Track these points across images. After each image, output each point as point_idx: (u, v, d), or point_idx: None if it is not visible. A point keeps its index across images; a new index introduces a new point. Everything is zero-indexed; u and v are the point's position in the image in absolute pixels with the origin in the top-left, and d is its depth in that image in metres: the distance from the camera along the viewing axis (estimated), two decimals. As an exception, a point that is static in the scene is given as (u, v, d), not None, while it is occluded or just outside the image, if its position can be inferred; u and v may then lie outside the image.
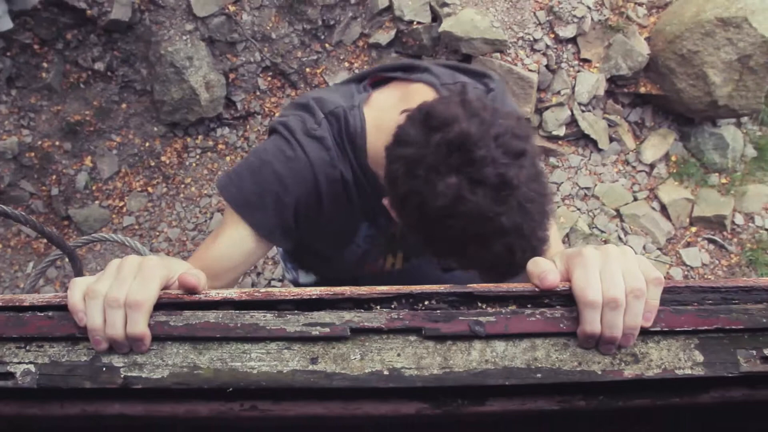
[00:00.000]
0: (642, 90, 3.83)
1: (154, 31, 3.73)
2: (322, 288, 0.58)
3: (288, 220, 1.03)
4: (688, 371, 0.55)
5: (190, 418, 0.60)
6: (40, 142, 3.85)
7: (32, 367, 0.56)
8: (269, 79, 4.32)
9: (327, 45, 4.42)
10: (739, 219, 3.71)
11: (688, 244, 3.63)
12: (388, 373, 0.55)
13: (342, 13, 4.30)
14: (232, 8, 3.92)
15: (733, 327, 0.56)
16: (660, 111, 3.98)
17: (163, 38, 3.71)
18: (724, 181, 3.83)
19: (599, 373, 0.56)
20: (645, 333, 0.56)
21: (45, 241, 3.82)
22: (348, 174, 1.02)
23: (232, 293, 0.58)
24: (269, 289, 0.58)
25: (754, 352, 0.56)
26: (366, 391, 0.56)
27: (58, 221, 3.88)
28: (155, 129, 4.08)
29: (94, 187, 3.90)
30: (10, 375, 0.56)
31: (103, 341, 0.56)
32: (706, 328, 0.55)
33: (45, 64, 3.78)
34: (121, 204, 3.90)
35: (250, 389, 0.56)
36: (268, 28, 4.13)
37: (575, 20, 3.73)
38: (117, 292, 0.56)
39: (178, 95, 3.82)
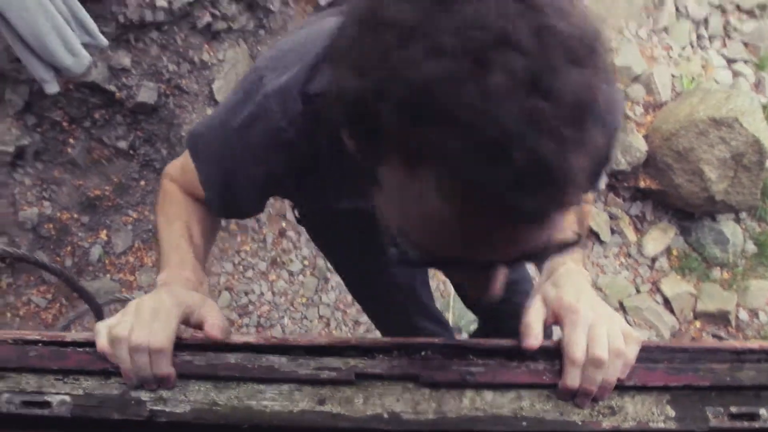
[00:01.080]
0: (642, 185, 3.97)
1: (177, 114, 3.96)
2: (330, 337, 0.64)
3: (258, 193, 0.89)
4: (661, 425, 0.61)
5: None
6: (59, 214, 3.99)
7: (68, 398, 0.63)
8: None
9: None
10: (743, 315, 3.72)
11: (693, 339, 3.62)
12: (387, 417, 0.61)
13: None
14: (252, 96, 4.17)
15: (701, 384, 0.62)
16: (660, 205, 4.10)
17: (185, 120, 3.93)
18: (726, 275, 3.88)
19: (579, 423, 0.61)
20: (621, 388, 0.62)
21: (53, 312, 3.88)
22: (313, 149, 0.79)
23: (251, 338, 0.65)
24: (285, 336, 0.64)
25: (722, 409, 0.61)
26: (367, 432, 0.62)
27: (68, 292, 3.94)
28: (170, 205, 4.22)
29: (107, 261, 3.99)
30: (47, 404, 0.62)
31: (134, 378, 0.63)
32: (676, 384, 0.61)
33: (71, 140, 3.99)
34: (132, 278, 3.98)
35: (263, 427, 0.61)
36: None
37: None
38: (139, 338, 0.63)
39: (196, 174, 3.98)
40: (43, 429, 0.64)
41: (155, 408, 0.62)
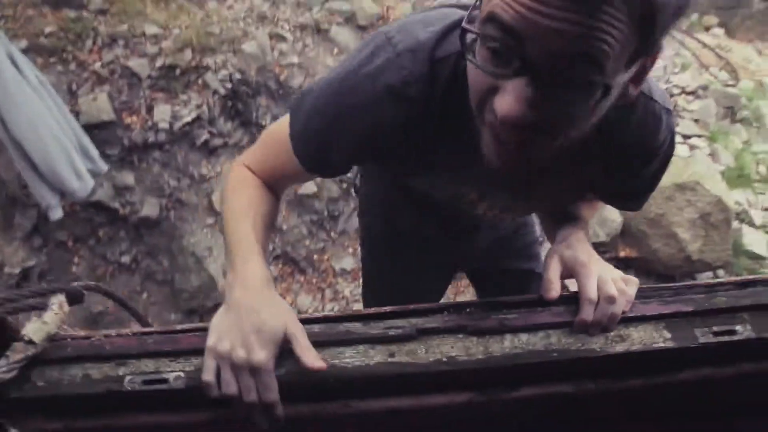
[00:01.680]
0: (622, 254, 4.20)
1: (178, 226, 4.17)
2: (394, 306, 0.81)
3: (360, 162, 1.04)
4: (662, 344, 0.77)
5: (295, 418, 0.78)
6: (61, 333, 4.04)
7: (182, 374, 0.77)
8: (280, 266, 4.67)
9: (332, 233, 4.86)
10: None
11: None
12: (446, 360, 0.77)
13: (345, 204, 4.81)
14: (248, 204, 4.43)
15: (687, 310, 0.79)
16: (642, 273, 4.30)
17: (186, 231, 4.13)
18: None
19: (597, 350, 0.77)
20: (626, 320, 0.79)
21: None
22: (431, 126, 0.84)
23: (330, 312, 0.81)
24: (357, 309, 0.81)
25: (707, 329, 0.78)
26: (429, 377, 0.76)
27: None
28: (173, 316, 4.31)
29: (110, 375, 4.00)
30: (165, 381, 0.76)
31: (242, 406, 0.74)
32: (668, 312, 0.78)
33: (76, 259, 4.13)
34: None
35: (346, 379, 0.76)
36: (279, 221, 4.60)
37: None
38: (240, 356, 0.73)
39: (197, 282, 4.12)
40: (163, 401, 0.77)
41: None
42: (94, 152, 3.47)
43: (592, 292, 0.79)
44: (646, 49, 0.62)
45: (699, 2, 6.11)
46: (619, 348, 0.77)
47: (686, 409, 0.84)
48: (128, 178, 4.01)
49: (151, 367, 0.77)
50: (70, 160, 3.29)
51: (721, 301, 0.80)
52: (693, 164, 3.81)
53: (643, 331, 0.78)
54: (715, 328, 0.78)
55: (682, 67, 5.39)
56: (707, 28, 6.11)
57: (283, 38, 5.15)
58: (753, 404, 0.83)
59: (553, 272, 0.84)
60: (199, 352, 0.78)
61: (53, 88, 3.53)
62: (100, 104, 4.01)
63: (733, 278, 0.82)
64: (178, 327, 0.81)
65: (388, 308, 0.80)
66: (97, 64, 4.26)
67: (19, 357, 0.73)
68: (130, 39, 4.51)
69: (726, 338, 0.77)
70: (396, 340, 0.78)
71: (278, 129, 0.93)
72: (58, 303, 0.81)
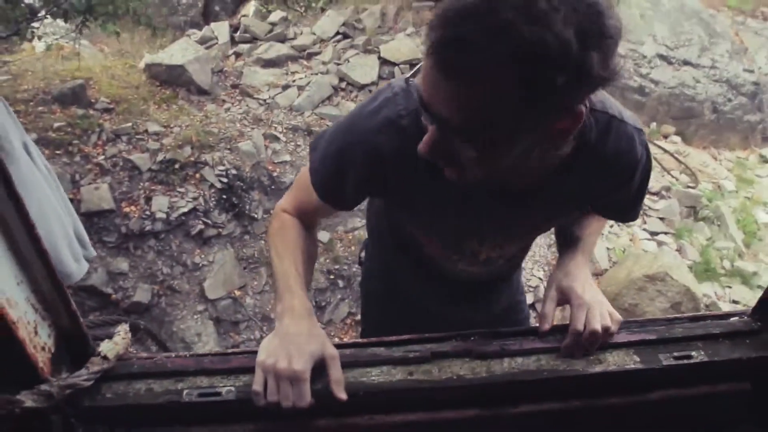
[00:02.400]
0: (601, 344, 4.34)
1: (168, 312, 4.23)
2: (411, 335, 0.97)
3: (369, 192, 1.10)
4: (632, 366, 0.93)
5: (325, 429, 0.91)
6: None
7: (233, 388, 0.90)
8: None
9: (319, 323, 4.93)
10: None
11: None
12: (456, 378, 0.91)
13: (331, 295, 4.93)
14: (237, 293, 4.53)
15: (652, 338, 0.96)
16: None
17: (176, 317, 4.19)
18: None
19: (580, 370, 0.93)
20: (601, 347, 0.95)
21: None
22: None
23: (359, 340, 0.96)
24: (381, 337, 0.96)
25: (668, 354, 0.94)
26: (442, 392, 0.91)
27: None
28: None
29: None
30: (218, 394, 0.90)
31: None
32: (635, 340, 0.95)
33: (63, 347, 4.12)
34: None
35: (372, 392, 0.90)
36: (268, 309, 4.68)
37: (531, 290, 4.43)
38: (282, 365, 0.87)
39: (183, 370, 4.13)
40: (214, 413, 0.90)
41: (297, 387, 0.90)
42: (86, 237, 3.59)
43: (579, 324, 0.95)
44: (543, 115, 0.74)
45: (657, 112, 6.69)
46: (598, 368, 0.93)
47: (659, 427, 0.99)
48: (123, 264, 4.12)
49: (206, 383, 0.91)
50: (69, 243, 3.41)
51: (679, 331, 0.97)
52: (661, 257, 4.07)
53: (616, 356, 0.95)
54: (675, 353, 0.94)
55: (647, 171, 5.83)
56: (665, 136, 6.65)
57: (276, 138, 5.50)
58: (712, 422, 0.98)
59: (549, 307, 1.01)
60: (247, 370, 0.92)
61: (58, 178, 3.72)
62: (101, 193, 4.20)
63: (687, 314, 1.00)
64: (230, 350, 0.95)
65: (407, 336, 0.96)
66: (101, 157, 4.49)
67: (96, 369, 0.86)
68: (133, 135, 4.79)
69: (684, 362, 0.94)
70: (414, 362, 0.93)
71: (305, 171, 1.10)
72: (124, 330, 0.95)
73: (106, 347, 0.89)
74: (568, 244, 1.17)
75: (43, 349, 0.79)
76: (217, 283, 4.42)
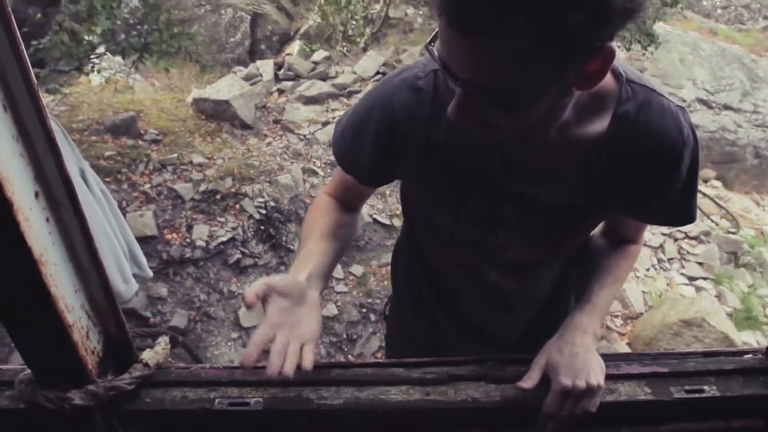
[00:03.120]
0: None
1: (204, 338, 4.34)
2: (430, 359, 1.02)
3: (385, 161, 1.05)
4: (644, 397, 0.96)
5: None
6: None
7: (261, 399, 0.97)
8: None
9: (350, 356, 4.96)
10: None
11: None
12: (470, 401, 0.96)
13: (363, 328, 4.96)
14: (270, 321, 4.62)
15: (664, 371, 0.98)
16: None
17: (211, 344, 4.30)
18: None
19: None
20: (614, 377, 0.98)
21: None
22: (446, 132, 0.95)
23: (381, 360, 1.02)
24: (401, 360, 1.02)
25: (680, 387, 0.97)
26: (457, 414, 0.95)
27: None
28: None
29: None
30: (247, 404, 0.96)
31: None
32: (647, 372, 0.98)
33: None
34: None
35: (391, 411, 0.95)
36: (299, 339, 4.75)
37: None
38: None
39: (214, 396, 4.20)
40: (242, 422, 0.96)
41: (319, 402, 0.96)
42: (142, 258, 3.75)
43: (547, 408, 0.93)
44: (568, 59, 0.69)
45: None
46: (610, 398, 0.96)
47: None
48: (162, 289, 4.27)
49: (236, 393, 0.97)
50: (119, 265, 3.57)
51: (691, 366, 1.00)
52: (698, 302, 3.99)
53: (628, 386, 0.97)
54: (687, 387, 0.97)
55: (685, 215, 5.75)
56: (705, 180, 6.56)
57: (314, 173, 5.66)
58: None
59: (536, 372, 0.95)
60: (274, 384, 0.98)
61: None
62: (145, 220, 4.39)
63: (700, 349, 1.02)
64: (259, 365, 1.02)
65: (426, 359, 1.01)
66: (147, 186, 4.71)
67: (137, 375, 0.94)
68: (178, 166, 5.01)
69: (696, 395, 0.96)
70: (431, 383, 0.98)
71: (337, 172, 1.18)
72: (164, 341, 1.03)
73: (147, 355, 0.97)
74: (579, 303, 1.08)
75: (92, 352, 0.87)
76: (251, 312, 4.50)
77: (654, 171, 0.95)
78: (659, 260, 5.40)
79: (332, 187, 1.21)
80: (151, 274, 3.89)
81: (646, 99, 0.90)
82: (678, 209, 1.05)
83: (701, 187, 6.48)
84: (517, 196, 1.00)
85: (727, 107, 6.90)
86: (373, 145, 1.01)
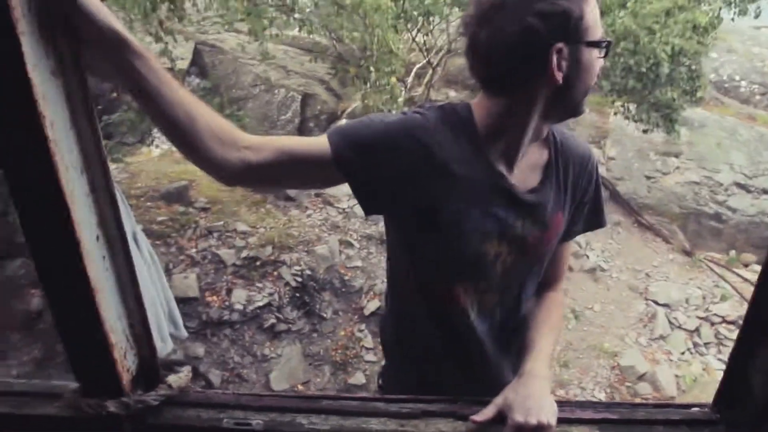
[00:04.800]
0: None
1: (235, 399, 4.48)
2: (407, 396, 1.18)
3: (371, 170, 1.08)
4: (594, 440, 1.09)
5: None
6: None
7: (261, 421, 1.14)
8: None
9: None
10: None
11: None
12: (439, 433, 1.11)
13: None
14: (301, 387, 4.74)
15: (614, 418, 1.11)
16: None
17: (241, 405, 4.44)
18: None
19: (547, 437, 1.09)
20: (569, 421, 1.11)
21: None
22: (451, 152, 1.09)
23: (365, 395, 1.18)
24: (381, 396, 1.18)
25: (628, 433, 1.09)
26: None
27: None
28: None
29: None
30: (249, 424, 1.14)
31: None
32: (599, 417, 1.11)
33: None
34: None
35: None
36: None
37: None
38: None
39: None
40: (246, 441, 1.13)
41: (309, 426, 1.12)
42: (179, 319, 4.00)
43: None
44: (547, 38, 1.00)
45: (736, 240, 6.56)
46: (563, 439, 1.09)
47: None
48: (199, 349, 4.48)
49: (241, 415, 1.15)
50: (158, 323, 3.82)
51: (641, 414, 1.12)
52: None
53: (580, 430, 1.11)
54: (634, 434, 1.09)
55: (722, 298, 5.66)
56: (746, 265, 6.47)
57: (350, 245, 5.91)
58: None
59: (491, 409, 1.09)
60: (273, 408, 1.16)
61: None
62: (189, 282, 4.67)
63: (651, 402, 1.14)
64: (262, 393, 1.20)
65: (404, 396, 1.17)
66: (193, 250, 5.04)
67: (162, 393, 1.13)
68: (223, 233, 5.35)
69: (641, 442, 1.08)
70: (407, 417, 1.13)
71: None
72: (187, 370, 1.23)
73: (172, 378, 1.17)
74: (528, 352, 1.22)
75: (127, 370, 1.08)
76: (282, 376, 4.66)
77: (585, 183, 1.25)
78: (695, 344, 5.31)
79: (265, 139, 1.06)
80: (186, 334, 4.12)
81: (561, 132, 1.25)
82: (600, 214, 1.34)
83: (741, 271, 6.39)
84: (510, 216, 1.17)
85: (765, 191, 6.88)
86: (375, 152, 1.07)
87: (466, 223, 1.13)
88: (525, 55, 1.02)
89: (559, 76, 1.03)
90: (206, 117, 0.96)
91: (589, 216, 1.33)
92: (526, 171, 1.19)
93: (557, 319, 1.33)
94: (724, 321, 5.41)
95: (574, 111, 1.13)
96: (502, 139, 1.13)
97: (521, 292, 1.32)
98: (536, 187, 1.20)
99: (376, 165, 1.08)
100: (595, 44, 1.04)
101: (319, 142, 1.08)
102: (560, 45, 1.01)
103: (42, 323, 4.17)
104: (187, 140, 0.96)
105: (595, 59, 1.06)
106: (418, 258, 1.24)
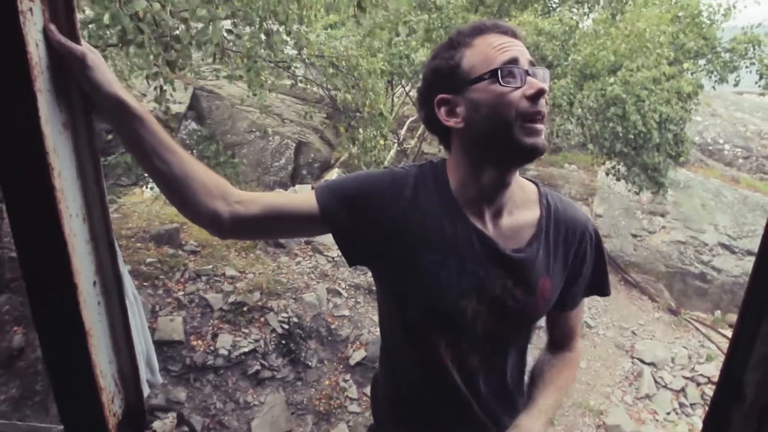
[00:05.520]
0: None
1: (215, 447, 4.38)
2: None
3: (355, 222, 1.11)
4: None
5: None
6: None
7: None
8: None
9: (356, 480, 4.88)
10: None
11: None
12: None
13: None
14: (282, 437, 4.65)
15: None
16: None
17: (220, 454, 4.33)
18: None
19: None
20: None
21: None
22: (429, 207, 1.13)
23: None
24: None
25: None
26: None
27: None
28: None
29: None
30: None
31: None
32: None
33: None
34: None
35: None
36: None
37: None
38: None
39: None
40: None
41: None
42: (156, 365, 3.95)
43: None
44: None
45: (722, 300, 6.61)
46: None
47: None
48: (181, 393, 4.40)
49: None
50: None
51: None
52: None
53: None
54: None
55: (708, 358, 5.67)
56: (731, 326, 6.49)
57: (338, 293, 5.89)
58: None
59: None
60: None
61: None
62: (174, 325, 4.63)
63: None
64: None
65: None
66: (180, 293, 5.01)
67: (147, 441, 1.14)
68: (212, 276, 5.33)
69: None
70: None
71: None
72: (172, 416, 1.24)
73: (157, 425, 1.18)
74: (526, 408, 1.20)
75: (114, 415, 1.08)
76: (264, 424, 4.57)
77: (584, 247, 1.19)
78: (681, 404, 5.28)
79: (254, 196, 1.12)
80: (161, 380, 4.06)
81: (557, 196, 1.21)
82: (604, 283, 1.26)
83: (727, 332, 6.41)
84: (492, 274, 1.13)
85: (750, 253, 6.98)
86: (357, 205, 1.11)
87: (443, 278, 1.13)
88: (423, 110, 1.12)
89: (454, 122, 1.07)
90: (200, 173, 1.03)
91: (589, 288, 1.27)
92: (511, 230, 1.17)
93: (566, 379, 1.29)
94: (710, 382, 5.40)
95: (518, 150, 1.05)
96: (471, 191, 1.13)
97: (505, 359, 1.27)
98: (522, 247, 1.15)
99: (360, 216, 1.11)
100: (479, 80, 1.03)
101: (306, 197, 1.13)
102: (441, 96, 1.07)
103: (22, 361, 4.10)
104: (180, 195, 1.02)
105: (494, 90, 1.03)
106: (401, 310, 1.24)
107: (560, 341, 1.36)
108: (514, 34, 1.07)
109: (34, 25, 0.82)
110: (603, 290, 1.28)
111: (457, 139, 1.11)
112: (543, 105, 1.03)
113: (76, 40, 0.89)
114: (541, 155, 1.05)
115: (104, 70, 0.92)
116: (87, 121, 0.93)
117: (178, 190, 1.01)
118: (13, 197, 0.88)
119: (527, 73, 1.02)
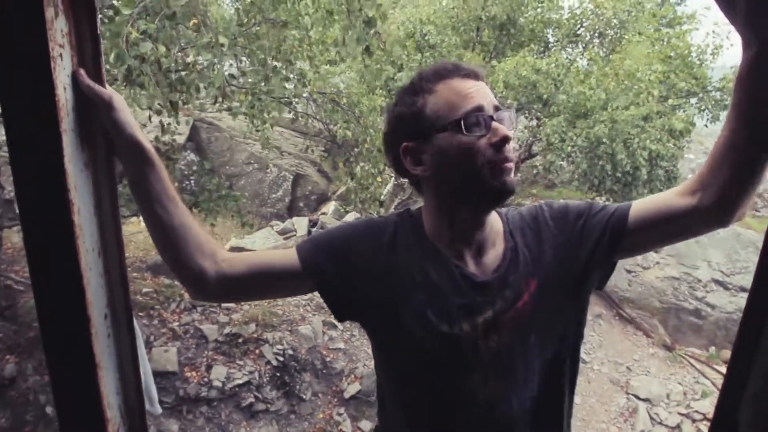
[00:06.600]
0: None
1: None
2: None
3: (338, 273, 1.11)
4: None
5: None
6: None
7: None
8: None
9: None
10: None
11: None
12: None
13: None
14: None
15: None
16: None
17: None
18: None
19: None
20: None
21: None
22: (408, 253, 1.12)
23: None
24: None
25: None
26: None
27: None
28: None
29: None
30: None
31: None
32: None
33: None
34: None
35: None
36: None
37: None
38: None
39: None
40: None
41: None
42: (155, 394, 3.91)
43: None
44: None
45: (716, 336, 6.62)
46: None
47: None
48: (173, 426, 4.35)
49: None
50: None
51: None
52: None
53: None
54: None
55: (703, 395, 5.65)
56: (725, 361, 6.49)
57: (334, 326, 5.88)
58: None
59: None
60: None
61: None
62: (169, 356, 4.61)
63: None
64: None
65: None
66: (176, 324, 4.99)
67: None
68: (207, 308, 5.32)
69: None
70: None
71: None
72: (174, 449, 1.25)
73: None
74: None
75: (119, 446, 1.10)
76: (256, 460, 4.51)
77: (546, 223, 1.15)
78: (677, 442, 5.24)
79: (243, 255, 1.17)
80: (160, 410, 4.02)
81: (512, 208, 1.21)
82: (620, 216, 1.11)
83: (721, 367, 6.40)
84: (477, 306, 1.11)
85: (743, 289, 7.02)
86: (339, 252, 1.12)
87: (431, 315, 1.10)
88: (389, 156, 1.14)
89: (421, 170, 1.08)
90: (196, 228, 1.06)
91: (604, 210, 1.15)
92: (490, 259, 1.15)
93: None
94: (705, 418, 5.38)
95: (489, 193, 1.06)
96: (446, 236, 1.13)
97: (532, 374, 1.19)
98: (498, 265, 1.13)
99: (345, 267, 1.11)
100: (443, 129, 1.03)
101: (289, 254, 1.13)
102: (406, 144, 1.08)
103: (13, 391, 4.06)
104: (173, 246, 1.06)
105: (459, 140, 1.03)
106: (402, 357, 1.19)
107: (691, 189, 1.05)
108: (476, 76, 1.06)
109: (63, 69, 0.87)
110: (624, 215, 1.11)
111: (426, 186, 1.12)
112: (509, 150, 1.03)
113: (101, 83, 0.94)
114: (511, 195, 1.06)
115: (127, 112, 0.97)
116: (107, 160, 0.98)
117: (172, 241, 1.05)
118: (33, 230, 0.92)
119: (492, 118, 1.02)
